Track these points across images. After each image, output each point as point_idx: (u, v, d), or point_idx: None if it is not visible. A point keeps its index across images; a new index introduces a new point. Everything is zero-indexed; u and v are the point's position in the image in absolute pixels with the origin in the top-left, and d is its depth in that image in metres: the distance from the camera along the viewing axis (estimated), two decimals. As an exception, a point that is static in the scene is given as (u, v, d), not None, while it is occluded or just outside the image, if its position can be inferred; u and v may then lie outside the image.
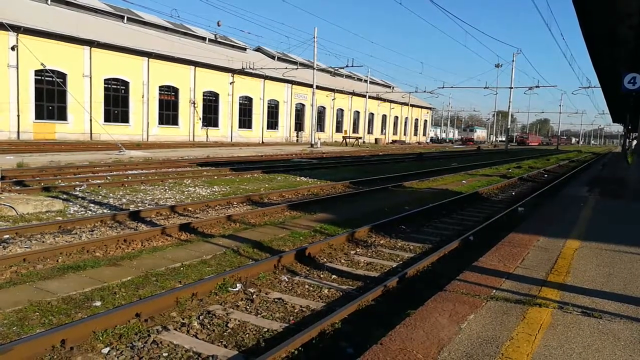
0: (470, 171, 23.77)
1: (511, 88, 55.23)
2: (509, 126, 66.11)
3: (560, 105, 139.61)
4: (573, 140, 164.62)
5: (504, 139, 79.87)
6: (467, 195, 13.98)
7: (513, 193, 16.29)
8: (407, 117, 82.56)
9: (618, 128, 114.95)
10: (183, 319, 4.76)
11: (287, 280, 6.07)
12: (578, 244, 6.79)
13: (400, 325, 3.81)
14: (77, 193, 11.80)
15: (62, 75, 33.33)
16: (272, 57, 57.02)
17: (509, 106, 57.90)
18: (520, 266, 5.56)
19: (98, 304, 5.05)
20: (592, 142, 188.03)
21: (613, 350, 3.46)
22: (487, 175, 21.98)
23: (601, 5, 12.23)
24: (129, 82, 38.08)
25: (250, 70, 45.63)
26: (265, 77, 49.79)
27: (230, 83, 46.79)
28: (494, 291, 4.65)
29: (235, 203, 11.38)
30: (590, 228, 8.08)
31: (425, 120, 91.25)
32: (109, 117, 37.09)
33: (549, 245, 6.63)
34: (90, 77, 35.28)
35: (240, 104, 48.67)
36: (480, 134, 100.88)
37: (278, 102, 53.34)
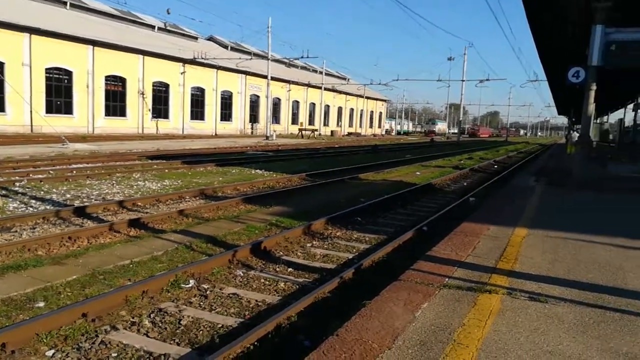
0: (424, 163, 24.28)
1: (463, 81, 56.81)
2: (461, 118, 68.00)
3: (509, 98, 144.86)
4: (521, 132, 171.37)
5: (456, 131, 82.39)
6: (421, 186, 14.26)
7: (465, 184, 16.77)
8: (362, 110, 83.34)
9: (563, 120, 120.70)
10: (133, 318, 4.59)
11: (242, 274, 5.97)
12: (525, 232, 7.05)
13: (356, 316, 3.82)
14: (17, 189, 11.16)
15: (0, 65, 31.40)
16: (225, 47, 56.01)
17: (461, 99, 59.61)
18: (472, 254, 5.71)
19: (41, 304, 4.80)
20: (539, 133, 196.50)
21: (558, 333, 3.60)
22: (440, 167, 22.53)
23: (548, 1, 12.70)
24: (72, 72, 36.31)
25: (203, 60, 44.59)
26: (218, 68, 48.79)
27: (182, 73, 45.55)
28: (447, 279, 4.75)
29: (187, 197, 11.10)
30: (536, 216, 8.41)
31: (381, 113, 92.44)
32: (51, 109, 35.26)
33: (498, 234, 6.84)
34: (30, 66, 33.39)
35: (192, 94, 47.48)
36: (441, 126, 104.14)
37: (232, 93, 52.46)
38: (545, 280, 4.84)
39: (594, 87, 11.85)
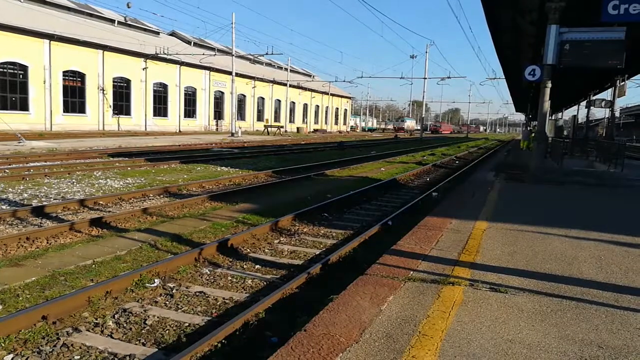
0: (388, 159, 24.58)
1: (425, 78, 57.74)
2: (423, 115, 69.13)
3: (469, 95, 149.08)
4: (481, 128, 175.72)
5: (418, 127, 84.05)
6: (385, 182, 14.45)
7: (428, 179, 17.10)
8: (327, 106, 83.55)
9: (520, 117, 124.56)
10: (96, 319, 4.49)
11: (209, 272, 5.92)
12: (486, 225, 7.27)
13: (324, 310, 3.85)
14: (-30, 188, 10.67)
15: (-52, 58, 29.86)
16: (188, 43, 55.01)
17: (423, 96, 60.62)
18: (435, 248, 5.85)
19: (-2, 308, 4.63)
20: (498, 130, 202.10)
21: (517, 322, 3.74)
22: (404, 163, 22.87)
23: (506, 1, 13.08)
24: (27, 67, 34.84)
25: (165, 56, 43.63)
26: (182, 63, 47.88)
27: (143, 69, 44.44)
28: (412, 273, 4.85)
29: (151, 195, 10.89)
30: (496, 210, 8.67)
31: (346, 110, 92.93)
32: (5, 105, 33.75)
33: (460, 227, 7.02)
34: (-18, 60, 31.91)
35: (154, 91, 46.37)
36: (409, 123, 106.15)
37: (196, 89, 51.57)
38: (505, 271, 5.01)
39: (549, 84, 12.29)
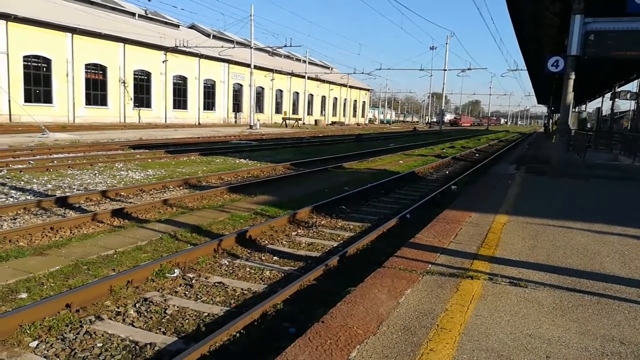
0: (407, 151, 24.41)
1: (445, 70, 57.10)
2: (442, 107, 68.43)
3: (490, 87, 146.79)
4: (502, 120, 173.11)
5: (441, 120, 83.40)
6: (404, 174, 14.37)
7: (447, 172, 16.94)
8: (346, 99, 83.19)
9: (542, 109, 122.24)
10: (118, 308, 4.58)
11: (227, 263, 5.98)
12: (506, 218, 7.17)
13: (341, 302, 3.86)
14: (-4, 179, 10.95)
15: (-26, 51, 30.56)
16: (208, 35, 55.26)
17: (443, 88, 59.93)
18: (454, 241, 5.80)
19: (24, 296, 4.75)
20: (519, 122, 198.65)
21: (537, 317, 3.70)
22: (423, 155, 22.69)
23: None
24: (51, 60, 35.49)
25: (185, 49, 43.93)
26: (201, 56, 48.18)
27: (163, 61, 44.86)
28: (430, 266, 4.82)
29: (171, 187, 11.02)
30: (516, 204, 8.55)
31: (364, 102, 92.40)
32: (29, 97, 34.48)
33: (479, 221, 6.95)
34: (7, 54, 32.54)
35: (174, 83, 46.82)
36: (449, 117, 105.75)
37: (215, 82, 51.87)
38: (526, 265, 4.95)
39: (572, 76, 12.00)
